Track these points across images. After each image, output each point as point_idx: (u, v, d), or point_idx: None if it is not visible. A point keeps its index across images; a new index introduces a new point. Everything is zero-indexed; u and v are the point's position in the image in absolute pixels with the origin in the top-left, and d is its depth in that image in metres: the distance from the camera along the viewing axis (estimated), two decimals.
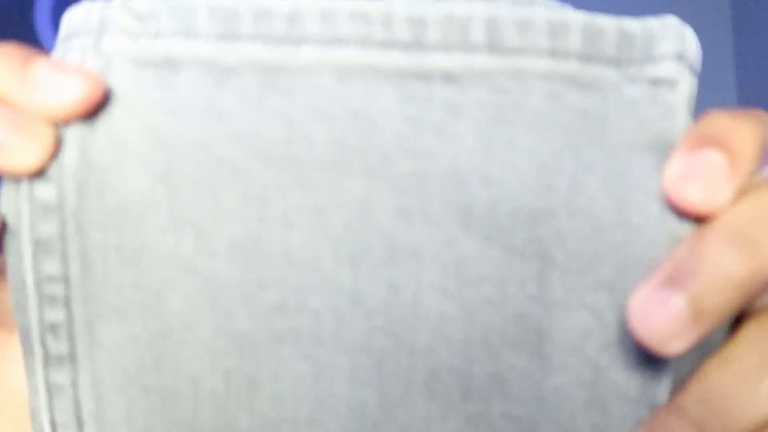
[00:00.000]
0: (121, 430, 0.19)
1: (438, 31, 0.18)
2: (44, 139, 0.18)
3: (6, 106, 0.18)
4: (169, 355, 0.19)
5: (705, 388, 0.17)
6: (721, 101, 1.02)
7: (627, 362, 0.18)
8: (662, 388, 0.18)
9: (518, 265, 0.18)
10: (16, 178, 0.19)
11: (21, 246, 0.19)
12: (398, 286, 0.18)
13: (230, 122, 0.18)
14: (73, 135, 0.18)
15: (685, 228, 0.17)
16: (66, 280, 0.19)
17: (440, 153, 0.18)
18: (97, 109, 0.19)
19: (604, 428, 0.18)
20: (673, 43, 0.18)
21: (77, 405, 0.19)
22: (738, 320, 0.19)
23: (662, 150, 0.18)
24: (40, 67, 0.18)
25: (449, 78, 0.18)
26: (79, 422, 0.19)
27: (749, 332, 0.17)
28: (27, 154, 0.18)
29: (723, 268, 0.16)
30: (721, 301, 0.16)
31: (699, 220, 0.17)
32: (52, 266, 0.19)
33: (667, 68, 0.18)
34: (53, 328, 0.19)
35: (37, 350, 0.19)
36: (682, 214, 0.17)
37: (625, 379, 0.18)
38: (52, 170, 0.18)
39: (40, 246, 0.19)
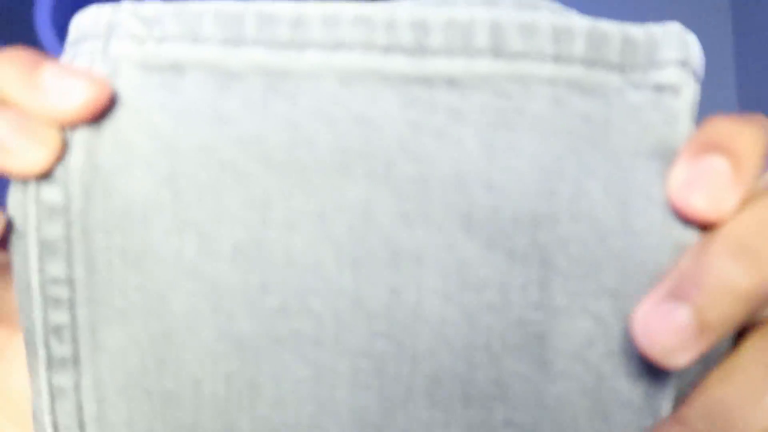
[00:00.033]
0: None
1: (441, 36, 0.18)
2: (50, 141, 0.18)
3: (13, 108, 0.18)
4: (171, 358, 0.19)
5: (708, 401, 0.17)
6: (721, 101, 1.02)
7: (631, 370, 0.18)
8: (666, 397, 0.18)
9: (520, 270, 0.18)
10: (22, 180, 0.19)
11: (27, 248, 0.19)
12: (400, 290, 0.18)
13: (234, 126, 0.18)
14: (80, 138, 0.19)
15: (689, 234, 0.17)
16: (71, 282, 0.19)
17: (442, 157, 0.18)
18: (103, 113, 0.19)
19: None
20: (677, 49, 0.18)
21: (79, 408, 0.19)
22: (741, 331, 0.18)
23: (665, 156, 0.18)
24: (47, 71, 0.18)
25: (452, 82, 0.18)
26: (81, 425, 0.19)
27: (753, 345, 0.17)
28: (32, 157, 0.18)
29: (727, 281, 0.16)
30: (726, 313, 0.16)
31: (704, 226, 0.17)
32: (57, 268, 0.19)
33: (670, 74, 0.18)
34: (57, 330, 0.19)
35: (41, 352, 0.19)
36: (687, 221, 0.17)
37: (628, 388, 0.18)
38: (59, 173, 0.19)
39: (45, 248, 0.19)
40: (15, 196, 0.19)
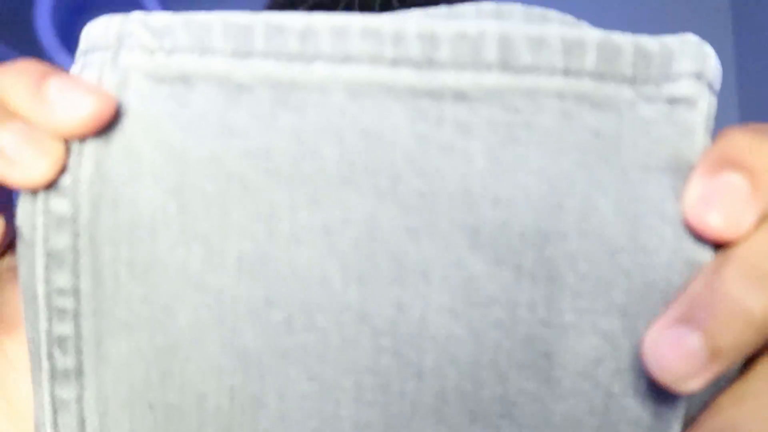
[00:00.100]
0: None
1: (450, 49, 0.18)
2: (54, 153, 0.18)
3: (19, 120, 0.18)
4: (175, 372, 0.19)
5: (719, 425, 0.16)
6: (722, 102, 1.02)
7: (640, 389, 0.18)
8: (676, 418, 0.18)
9: (528, 287, 0.18)
10: (25, 191, 0.19)
11: (34, 258, 0.19)
12: (405, 306, 0.18)
13: (242, 138, 0.18)
14: (89, 149, 0.19)
15: (701, 252, 0.17)
16: (76, 293, 0.19)
17: (449, 172, 0.18)
18: (108, 126, 0.19)
19: None
20: (692, 61, 0.18)
21: (82, 421, 0.19)
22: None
23: (679, 171, 0.17)
24: (53, 84, 0.18)
25: (460, 96, 0.18)
26: None
27: (765, 369, 0.17)
28: (36, 168, 0.18)
29: (740, 306, 0.16)
30: (738, 339, 0.16)
31: (718, 244, 0.17)
32: (63, 279, 0.19)
33: (685, 87, 0.18)
34: (61, 341, 0.19)
35: (45, 364, 0.19)
36: (702, 238, 0.17)
37: (637, 407, 0.18)
38: (68, 183, 0.19)
39: (52, 258, 0.19)
40: (24, 206, 0.19)
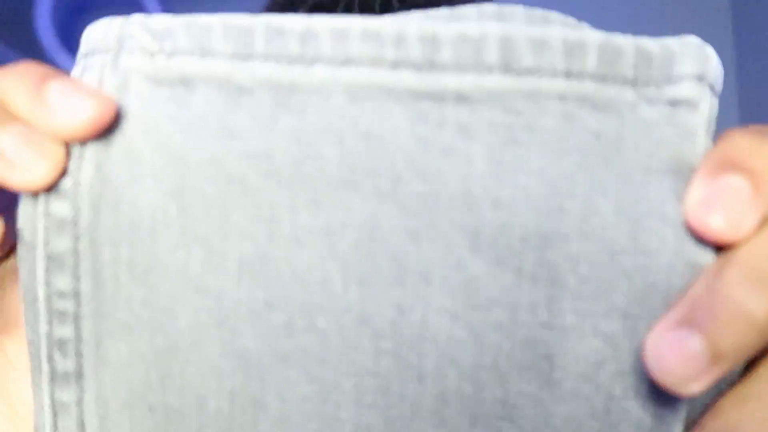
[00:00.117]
0: None
1: (451, 51, 0.18)
2: (54, 156, 0.18)
3: (19, 123, 0.18)
4: (175, 374, 0.19)
5: (720, 428, 0.16)
6: (722, 102, 1.02)
7: (641, 392, 0.18)
8: (677, 420, 0.18)
9: (529, 289, 0.18)
10: (26, 194, 0.19)
11: (35, 261, 0.19)
12: (406, 308, 0.18)
13: (242, 141, 0.18)
14: (90, 152, 0.19)
15: (703, 254, 0.17)
16: (76, 295, 0.19)
17: (450, 174, 0.18)
18: (108, 129, 0.19)
19: None
20: (694, 63, 0.18)
21: (81, 424, 0.19)
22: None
23: (681, 173, 0.17)
24: (54, 87, 0.18)
25: (461, 99, 0.18)
26: None
27: (766, 371, 0.17)
28: (36, 171, 0.18)
29: (742, 309, 0.16)
30: (739, 342, 0.16)
31: (719, 246, 0.17)
32: (63, 281, 0.19)
33: (686, 89, 0.18)
34: (61, 344, 0.19)
35: (45, 367, 0.19)
36: (703, 240, 0.17)
37: (638, 409, 0.18)
38: (68, 186, 0.19)
39: (52, 261, 0.19)
40: (24, 209, 0.19)
